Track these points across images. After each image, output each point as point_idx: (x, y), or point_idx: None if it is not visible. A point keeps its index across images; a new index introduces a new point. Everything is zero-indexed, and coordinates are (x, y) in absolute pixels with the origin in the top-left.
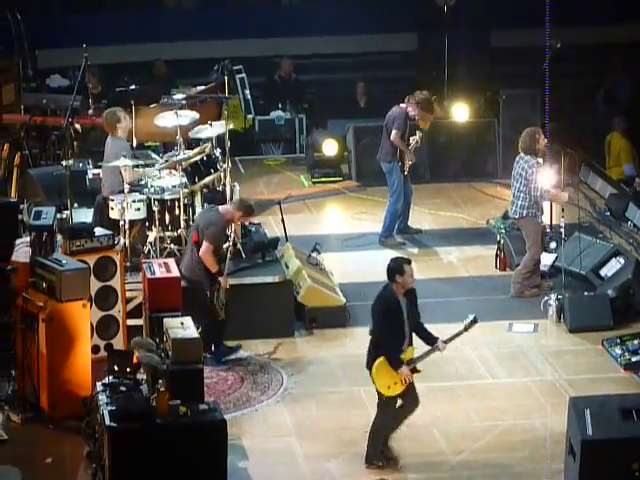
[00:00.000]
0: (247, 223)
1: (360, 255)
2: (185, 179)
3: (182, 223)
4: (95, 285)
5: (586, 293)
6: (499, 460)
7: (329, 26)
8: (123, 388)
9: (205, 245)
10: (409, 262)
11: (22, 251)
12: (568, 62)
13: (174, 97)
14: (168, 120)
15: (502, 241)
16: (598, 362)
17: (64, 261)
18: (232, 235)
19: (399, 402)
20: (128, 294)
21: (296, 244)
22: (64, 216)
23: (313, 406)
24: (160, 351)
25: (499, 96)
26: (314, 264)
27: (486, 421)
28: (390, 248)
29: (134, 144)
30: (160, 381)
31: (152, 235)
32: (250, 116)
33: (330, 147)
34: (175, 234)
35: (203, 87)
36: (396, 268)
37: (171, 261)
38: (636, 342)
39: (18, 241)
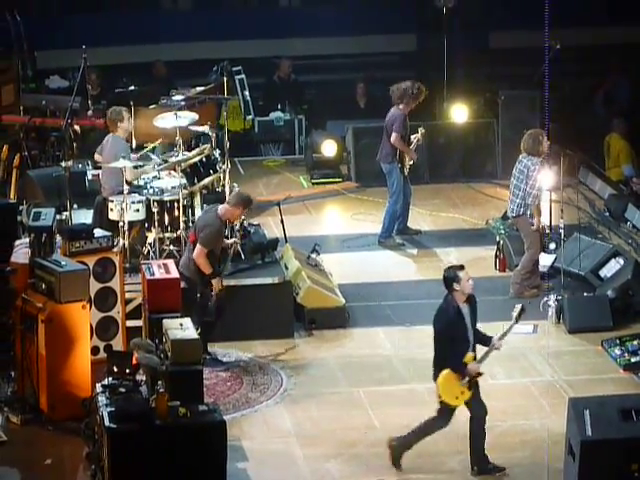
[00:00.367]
0: (247, 224)
1: (359, 256)
2: (184, 180)
3: (181, 224)
4: (94, 286)
5: (585, 294)
6: (498, 461)
7: (328, 27)
8: (122, 389)
9: (198, 248)
10: (462, 268)
11: (21, 252)
12: (567, 63)
13: (173, 98)
14: (167, 121)
15: (501, 242)
16: (597, 363)
17: (63, 262)
18: (239, 231)
19: (468, 414)
20: (127, 295)
21: (295, 245)
22: (63, 217)
23: (313, 407)
24: (159, 352)
25: (498, 97)
26: (313, 265)
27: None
28: (389, 249)
29: (134, 145)
30: (159, 382)
31: (151, 236)
32: (249, 117)
33: (329, 148)
34: (174, 235)
35: (202, 88)
36: (452, 277)
37: (170, 262)
38: (635, 343)
39: (17, 242)
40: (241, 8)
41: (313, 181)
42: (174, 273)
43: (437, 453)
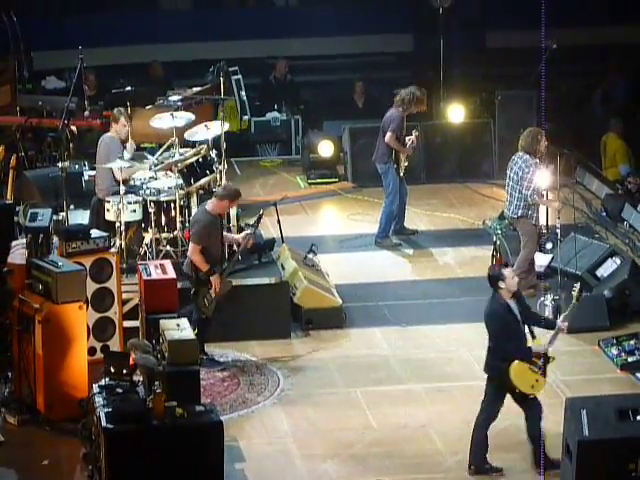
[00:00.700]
0: (243, 225)
1: (356, 256)
2: (181, 181)
3: (178, 225)
4: (91, 287)
5: (582, 293)
6: (495, 461)
7: (324, 27)
8: (119, 390)
9: (190, 246)
10: (506, 265)
11: (18, 253)
12: (564, 63)
13: (170, 98)
14: (164, 121)
15: (498, 242)
16: (594, 362)
17: (60, 263)
18: (257, 224)
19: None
20: (124, 296)
21: (292, 245)
22: (60, 218)
23: (310, 407)
24: (156, 353)
25: (495, 97)
26: (310, 265)
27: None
28: (386, 249)
29: (134, 146)
30: (156, 383)
31: (148, 237)
32: (246, 117)
33: (326, 148)
34: (171, 236)
35: (199, 88)
36: (496, 275)
37: (167, 262)
38: (632, 342)
39: (14, 243)
40: (237, 8)
41: (310, 181)
42: (171, 274)
43: (435, 453)
